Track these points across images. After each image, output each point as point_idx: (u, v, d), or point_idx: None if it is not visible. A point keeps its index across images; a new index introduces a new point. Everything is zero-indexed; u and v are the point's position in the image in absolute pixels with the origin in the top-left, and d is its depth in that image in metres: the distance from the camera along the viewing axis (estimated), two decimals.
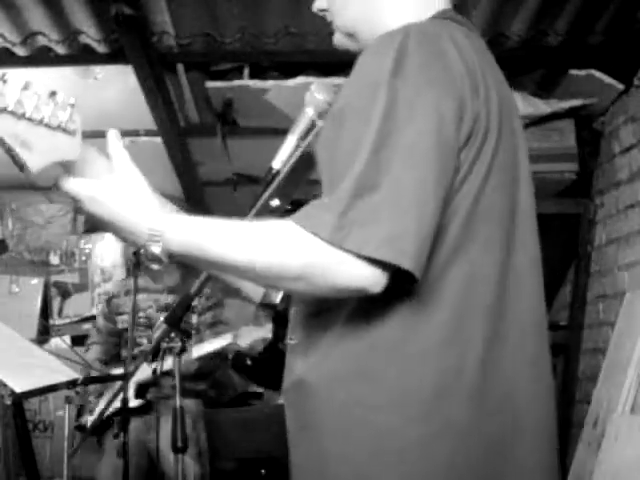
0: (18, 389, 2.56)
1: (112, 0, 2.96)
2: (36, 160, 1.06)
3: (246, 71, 3.63)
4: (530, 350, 1.19)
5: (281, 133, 1.50)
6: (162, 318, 1.73)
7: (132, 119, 3.99)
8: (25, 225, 5.19)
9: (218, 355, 3.34)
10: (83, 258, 5.04)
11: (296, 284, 1.08)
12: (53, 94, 1.07)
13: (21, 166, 1.07)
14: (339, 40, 1.37)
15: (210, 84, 3.64)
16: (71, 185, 1.13)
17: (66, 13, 3.14)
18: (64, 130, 1.07)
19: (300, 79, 3.50)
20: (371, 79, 1.10)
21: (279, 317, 1.42)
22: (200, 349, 3.18)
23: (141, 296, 3.44)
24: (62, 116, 1.06)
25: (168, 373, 3.13)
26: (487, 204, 1.14)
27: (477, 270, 1.13)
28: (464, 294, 1.12)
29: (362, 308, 1.13)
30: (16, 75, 1.05)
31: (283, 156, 1.46)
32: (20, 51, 3.37)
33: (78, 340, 4.47)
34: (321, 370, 1.16)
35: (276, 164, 1.46)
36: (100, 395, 3.41)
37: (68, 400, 3.19)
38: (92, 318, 4.72)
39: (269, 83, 3.61)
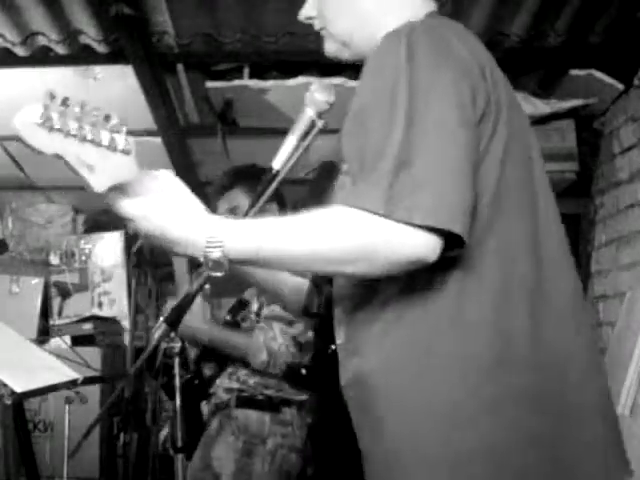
0: (18, 389, 2.55)
1: (112, 0, 2.96)
2: (99, 181, 1.12)
3: (246, 71, 3.63)
4: (572, 319, 1.23)
5: (281, 133, 1.50)
6: (162, 318, 1.72)
7: (132, 119, 3.95)
8: (25, 225, 5.19)
9: None
10: (83, 258, 5.03)
11: (359, 265, 1.11)
12: (107, 118, 1.14)
13: (87, 185, 1.13)
14: (331, 48, 1.43)
15: (210, 84, 3.64)
16: (124, 206, 1.16)
17: (66, 13, 3.14)
18: (122, 151, 1.14)
19: (300, 79, 3.50)
20: (389, 70, 1.15)
21: (321, 324, 1.44)
22: None
23: None
24: (119, 138, 1.14)
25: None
26: (511, 177, 1.19)
27: (512, 238, 1.18)
28: (503, 262, 1.17)
29: (409, 291, 1.17)
30: (75, 100, 1.11)
31: (283, 156, 1.46)
32: (20, 51, 3.37)
33: (78, 340, 4.47)
34: (378, 360, 1.20)
35: (276, 164, 1.46)
36: None
37: (68, 400, 3.18)
38: (92, 318, 4.71)
39: (269, 83, 3.61)
